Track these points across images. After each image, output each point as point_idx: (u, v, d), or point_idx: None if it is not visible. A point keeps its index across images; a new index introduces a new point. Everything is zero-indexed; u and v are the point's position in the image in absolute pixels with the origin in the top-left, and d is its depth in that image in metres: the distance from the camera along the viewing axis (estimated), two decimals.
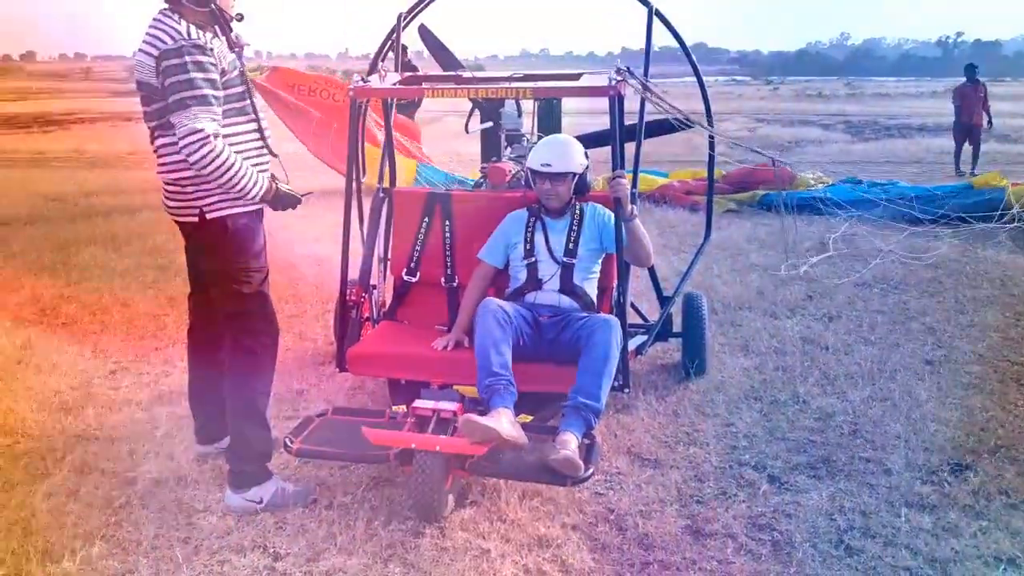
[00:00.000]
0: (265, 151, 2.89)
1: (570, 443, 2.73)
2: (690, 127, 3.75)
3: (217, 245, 2.82)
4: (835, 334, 4.63)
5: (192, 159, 2.61)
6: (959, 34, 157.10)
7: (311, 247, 6.90)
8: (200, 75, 2.60)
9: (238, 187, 2.71)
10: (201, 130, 2.57)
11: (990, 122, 12.06)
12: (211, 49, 2.65)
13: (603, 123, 3.61)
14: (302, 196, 3.00)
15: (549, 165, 3.39)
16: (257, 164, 2.84)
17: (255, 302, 2.90)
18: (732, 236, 7.32)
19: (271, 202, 2.88)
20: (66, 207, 9.09)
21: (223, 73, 2.69)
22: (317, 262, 6.41)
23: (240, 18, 2.87)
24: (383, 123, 4.11)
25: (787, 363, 4.20)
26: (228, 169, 2.66)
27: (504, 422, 2.73)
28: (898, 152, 14.46)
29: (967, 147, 11.97)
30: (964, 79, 12.19)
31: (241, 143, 2.78)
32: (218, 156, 2.62)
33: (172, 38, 2.60)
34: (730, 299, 5.28)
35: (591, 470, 2.69)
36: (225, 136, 2.68)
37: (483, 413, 2.83)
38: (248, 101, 2.82)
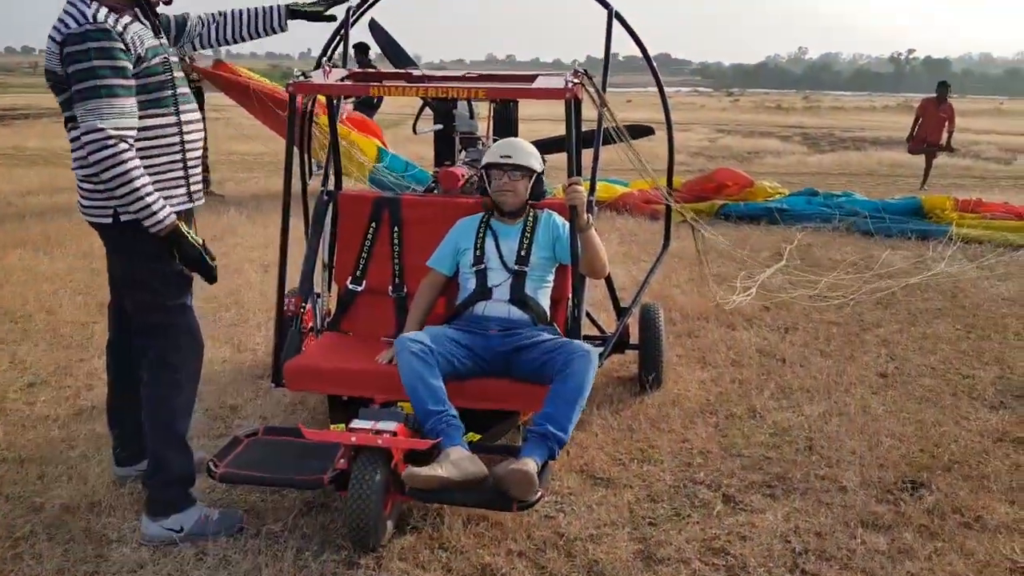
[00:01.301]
0: (179, 150, 2.59)
1: (529, 466, 2.57)
2: (625, 141, 3.63)
3: (132, 250, 2.57)
4: (791, 345, 4.56)
5: (91, 160, 2.36)
6: (911, 51, 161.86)
7: (258, 252, 6.66)
8: (106, 63, 2.34)
9: (132, 208, 2.40)
10: (101, 129, 2.32)
11: (949, 144, 11.78)
12: (121, 33, 2.40)
13: (561, 130, 3.50)
14: (214, 263, 2.59)
15: (509, 156, 3.26)
16: (168, 164, 2.56)
17: (174, 314, 2.66)
18: (690, 246, 7.23)
19: (170, 248, 2.50)
20: None
21: (140, 60, 2.44)
22: (263, 268, 6.18)
23: (168, 1, 2.65)
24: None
25: (744, 375, 4.11)
26: (125, 184, 2.36)
27: (449, 467, 2.55)
28: (852, 164, 14.64)
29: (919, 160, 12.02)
30: (933, 94, 11.90)
31: (152, 138, 2.51)
32: (117, 165, 2.33)
33: (77, 22, 2.36)
34: (688, 309, 5.19)
35: (540, 493, 2.54)
36: (139, 128, 2.45)
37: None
38: (170, 92, 2.55)
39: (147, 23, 2.55)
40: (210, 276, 2.61)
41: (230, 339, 4.59)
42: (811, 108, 39.84)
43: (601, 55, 3.62)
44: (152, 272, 2.59)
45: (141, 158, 2.43)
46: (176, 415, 2.70)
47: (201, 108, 8.51)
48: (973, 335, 4.81)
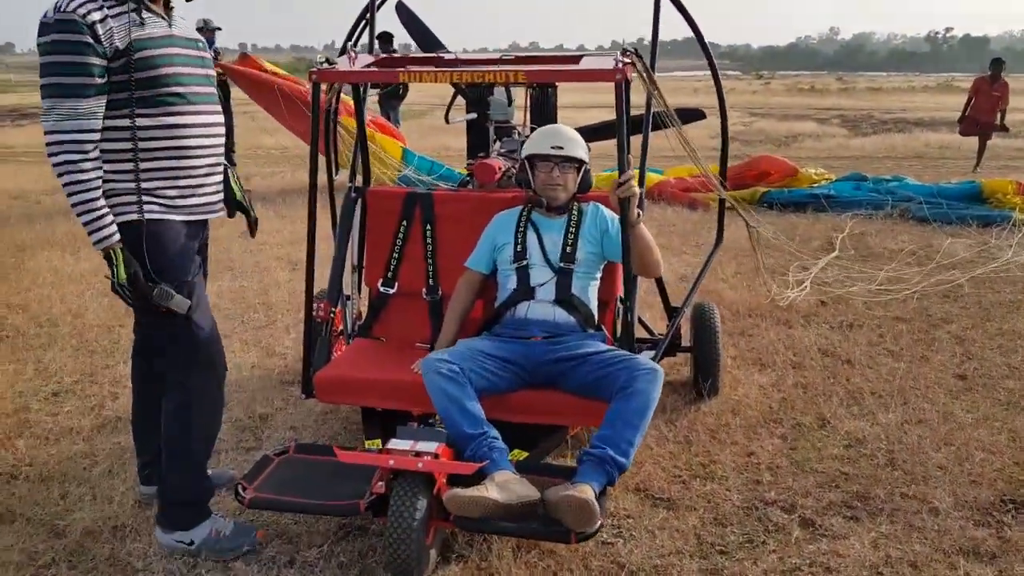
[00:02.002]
0: (174, 155, 2.34)
1: (588, 493, 2.30)
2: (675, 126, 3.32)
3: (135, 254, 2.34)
4: (856, 345, 4.23)
5: (49, 158, 2.18)
6: (948, 29, 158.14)
7: (286, 250, 6.46)
8: (66, 58, 2.13)
9: (79, 216, 2.22)
10: (52, 132, 2.15)
11: (1003, 123, 11.21)
12: (93, 24, 2.15)
13: (597, 118, 3.21)
14: (173, 297, 2.34)
15: (561, 148, 2.98)
16: (162, 170, 2.33)
17: (176, 327, 2.42)
18: (734, 236, 6.83)
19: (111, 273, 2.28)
20: (27, 205, 8.60)
21: (121, 54, 2.20)
22: (291, 266, 5.98)
23: None
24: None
25: (807, 379, 3.80)
26: (75, 193, 2.19)
27: (495, 489, 2.29)
28: (897, 147, 14.08)
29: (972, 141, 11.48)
30: (985, 72, 11.37)
31: (142, 139, 2.28)
32: (67, 173, 2.17)
33: (54, 9, 2.16)
34: (738, 306, 4.87)
35: (600, 523, 2.28)
36: (122, 128, 2.24)
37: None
38: (168, 90, 2.28)
39: (154, 14, 2.31)
40: (142, 303, 2.36)
41: (259, 342, 4.38)
42: (847, 90, 38.84)
43: (626, 40, 3.32)
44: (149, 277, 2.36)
45: (127, 159, 2.27)
46: (192, 442, 2.51)
47: (226, 103, 8.41)
48: None
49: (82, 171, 2.18)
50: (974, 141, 11.45)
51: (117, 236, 2.26)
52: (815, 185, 8.38)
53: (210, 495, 2.61)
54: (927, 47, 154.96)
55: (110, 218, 2.24)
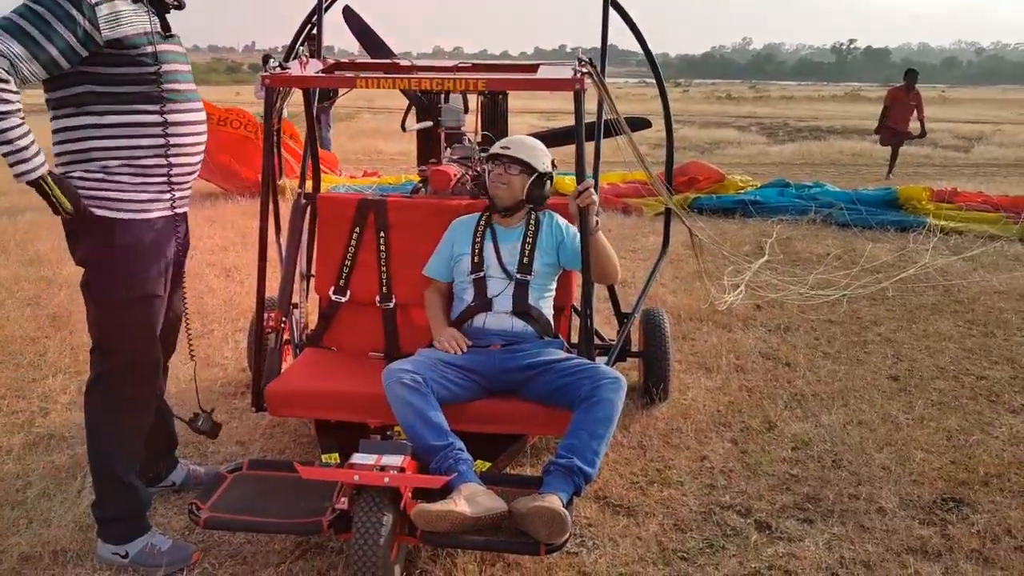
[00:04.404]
0: (160, 152, 2.32)
1: (556, 503, 2.29)
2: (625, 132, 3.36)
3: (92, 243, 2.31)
4: (793, 348, 4.38)
5: None
6: (851, 41, 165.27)
7: (217, 256, 6.25)
8: (40, 9, 2.09)
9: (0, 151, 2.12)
10: None
11: (923, 131, 11.75)
12: (94, 4, 2.14)
13: (545, 125, 3.21)
14: (85, 210, 2.26)
15: (508, 148, 3.01)
16: (146, 167, 2.31)
17: (110, 311, 2.37)
18: (671, 242, 7.05)
19: (42, 195, 2.19)
20: None
21: (113, 44, 2.18)
22: (225, 272, 5.78)
23: (181, 6, 2.41)
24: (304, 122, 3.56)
25: (751, 382, 3.90)
26: None
27: (464, 503, 2.26)
28: (814, 154, 14.65)
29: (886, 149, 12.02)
30: (900, 83, 11.90)
31: (130, 136, 2.26)
32: None
33: None
34: (680, 310, 4.97)
35: (569, 534, 2.27)
36: (108, 126, 2.22)
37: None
38: (154, 89, 2.27)
39: (151, 11, 2.29)
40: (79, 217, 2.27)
41: (196, 352, 4.20)
42: (761, 98, 40.25)
43: (563, 47, 3.35)
44: (93, 249, 2.33)
45: (115, 157, 2.25)
46: (112, 448, 2.44)
47: None
48: (976, 332, 4.68)
49: (6, 104, 2.07)
50: (886, 149, 12.03)
51: (46, 165, 2.17)
52: (741, 191, 8.63)
53: (143, 508, 2.53)
54: (833, 57, 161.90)
55: (36, 147, 2.14)
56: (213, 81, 40.54)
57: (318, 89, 3.89)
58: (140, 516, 2.51)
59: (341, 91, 4.05)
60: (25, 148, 2.12)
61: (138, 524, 2.49)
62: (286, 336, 3.31)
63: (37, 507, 2.77)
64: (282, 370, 3.09)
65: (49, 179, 2.17)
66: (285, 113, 3.48)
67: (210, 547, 2.57)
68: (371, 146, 13.23)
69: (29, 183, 2.17)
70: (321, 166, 3.70)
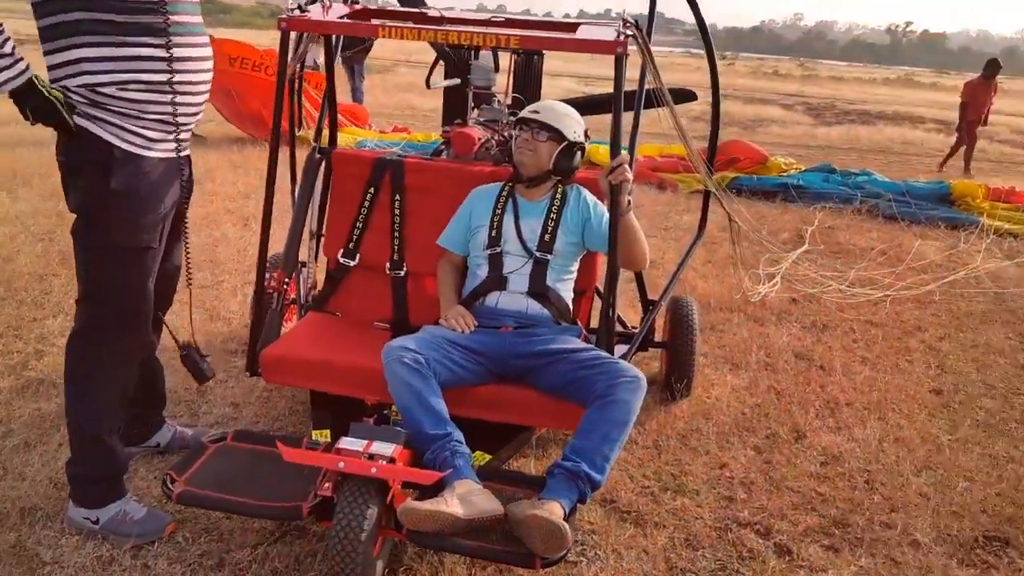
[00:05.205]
0: (167, 90, 2.15)
1: (556, 514, 2.08)
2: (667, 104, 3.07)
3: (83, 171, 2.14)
4: (829, 349, 4.10)
5: None
6: (908, 23, 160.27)
7: (238, 203, 6.06)
8: None
9: None
10: None
11: (985, 121, 11.22)
12: None
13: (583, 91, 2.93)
14: (74, 124, 2.08)
15: (537, 112, 2.78)
16: (149, 104, 2.13)
17: (98, 255, 2.20)
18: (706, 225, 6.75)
19: (22, 105, 2.03)
20: None
21: None
22: (243, 221, 5.60)
23: None
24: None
25: (781, 384, 3.64)
26: None
27: (456, 503, 2.06)
28: (862, 139, 14.08)
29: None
30: (979, 74, 11.26)
31: (132, 71, 2.08)
32: None
33: None
34: (710, 299, 4.70)
35: (568, 548, 2.06)
36: (107, 59, 2.04)
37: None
38: (159, 19, 2.08)
39: None
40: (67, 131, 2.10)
41: (202, 304, 4.04)
42: (809, 76, 38.99)
43: (608, 10, 3.04)
44: (88, 193, 2.16)
45: (115, 91, 2.08)
46: (91, 404, 2.28)
47: None
48: None
49: None
50: (940, 140, 11.48)
51: (31, 71, 2.00)
52: (784, 174, 8.25)
53: (120, 471, 2.38)
54: (887, 39, 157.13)
55: (18, 52, 1.98)
56: (258, 25, 40.06)
57: (342, 37, 3.63)
58: (116, 479, 2.37)
59: (372, 41, 3.84)
60: (9, 54, 1.95)
61: (113, 488, 2.35)
62: (292, 296, 3.13)
63: (13, 459, 2.63)
64: (283, 332, 2.90)
65: (34, 81, 1.99)
66: (330, 61, 3.24)
67: (186, 519, 2.41)
68: (405, 101, 12.93)
69: (14, 92, 1.99)
70: (349, 119, 3.47)
